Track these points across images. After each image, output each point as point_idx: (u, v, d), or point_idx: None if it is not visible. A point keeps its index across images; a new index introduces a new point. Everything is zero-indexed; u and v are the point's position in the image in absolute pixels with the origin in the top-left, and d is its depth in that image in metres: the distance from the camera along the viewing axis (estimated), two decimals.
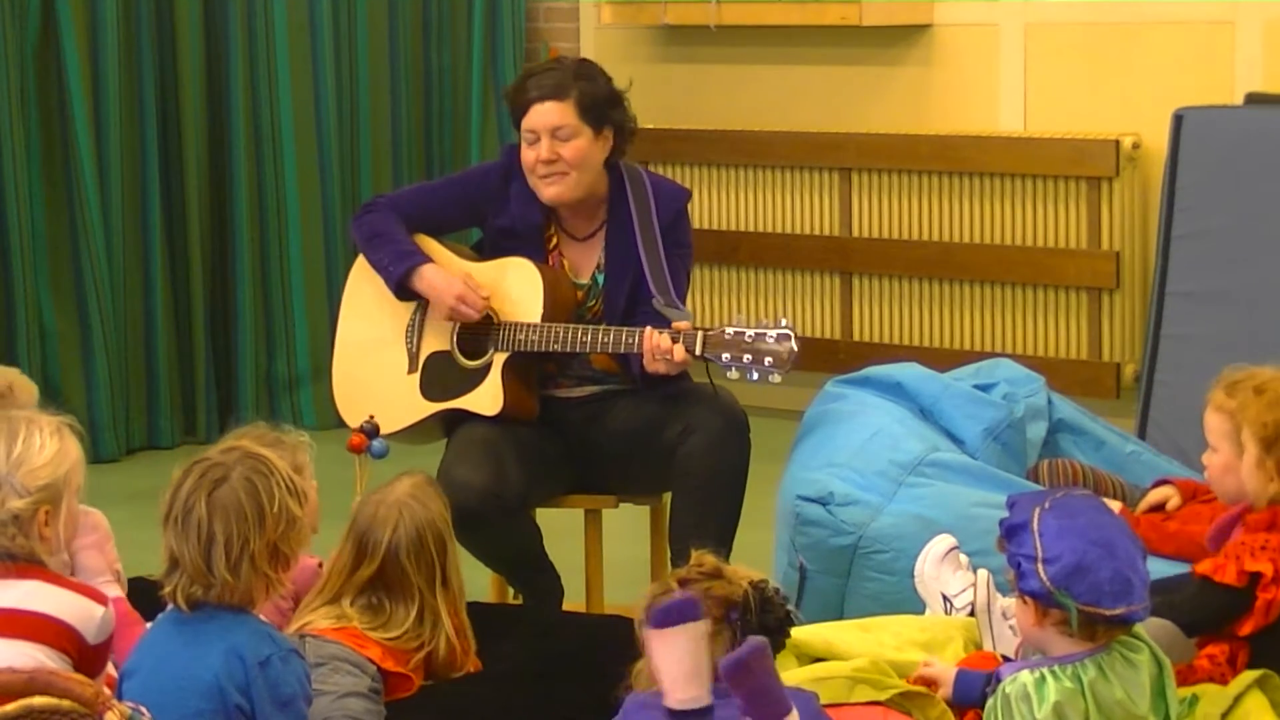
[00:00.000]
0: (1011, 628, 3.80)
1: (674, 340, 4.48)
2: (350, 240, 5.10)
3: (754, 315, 4.56)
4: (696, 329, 4.50)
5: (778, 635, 3.12)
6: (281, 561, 3.34)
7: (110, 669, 3.51)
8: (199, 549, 3.28)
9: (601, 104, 4.70)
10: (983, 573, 3.91)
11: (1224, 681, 3.67)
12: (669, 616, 3.03)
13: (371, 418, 4.59)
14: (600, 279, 4.76)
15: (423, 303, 4.77)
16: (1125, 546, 3.32)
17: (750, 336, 4.48)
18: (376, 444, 4.53)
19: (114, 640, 3.58)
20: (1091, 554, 3.28)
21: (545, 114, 4.65)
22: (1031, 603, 3.32)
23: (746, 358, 4.47)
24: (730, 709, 3.06)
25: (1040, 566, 3.28)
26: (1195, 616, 3.70)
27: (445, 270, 4.72)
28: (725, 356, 4.47)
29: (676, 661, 3.02)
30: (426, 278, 4.71)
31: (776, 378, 4.47)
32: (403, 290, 4.75)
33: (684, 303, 4.67)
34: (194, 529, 3.28)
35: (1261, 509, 3.80)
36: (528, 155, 4.68)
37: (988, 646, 3.84)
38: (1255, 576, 3.70)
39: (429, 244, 4.82)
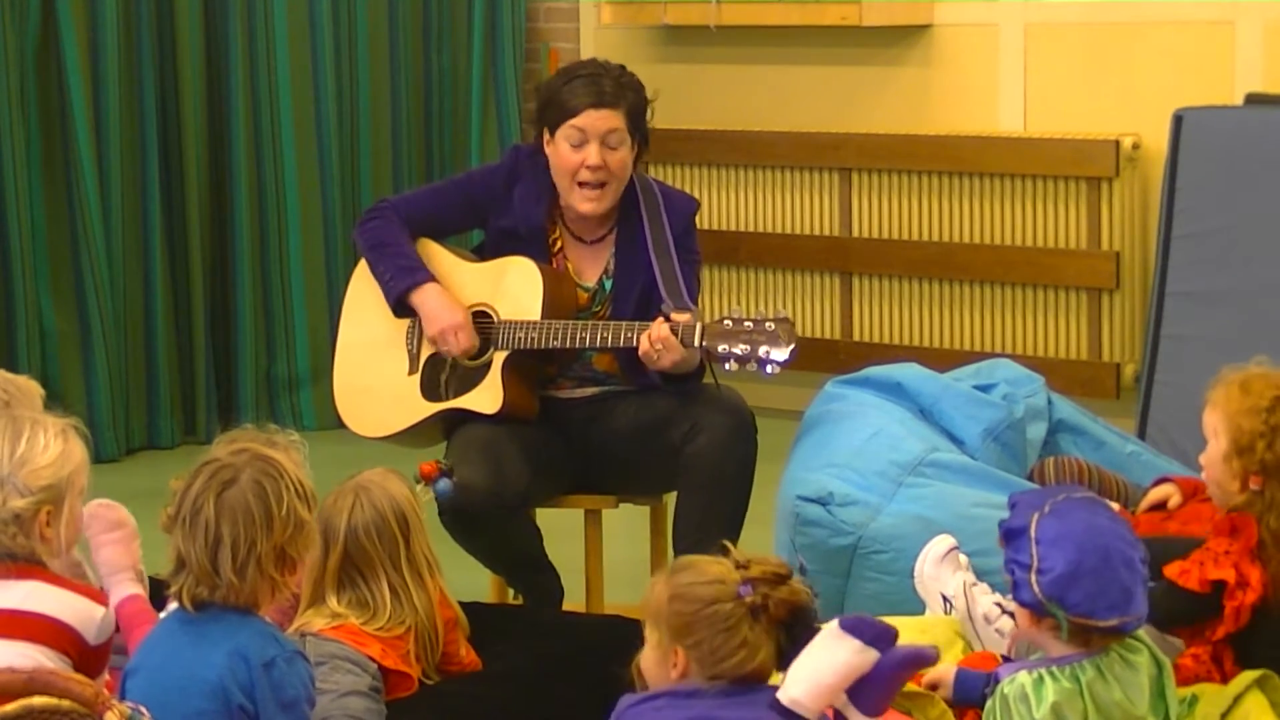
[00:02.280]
0: (998, 630, 3.80)
1: (673, 333, 4.47)
2: (352, 242, 5.10)
3: (752, 312, 4.53)
4: (695, 321, 4.50)
5: (805, 642, 3.09)
6: (288, 565, 3.33)
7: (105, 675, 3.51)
8: (206, 550, 3.28)
9: (641, 115, 4.70)
10: (960, 580, 3.89)
11: (1211, 679, 3.67)
12: (859, 630, 2.98)
13: (451, 464, 4.53)
14: (608, 284, 4.75)
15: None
16: (1123, 554, 3.30)
17: (749, 327, 4.47)
18: (442, 484, 4.46)
19: (129, 639, 3.60)
20: (1087, 564, 3.27)
21: (602, 118, 4.61)
22: (1025, 609, 3.32)
23: (744, 348, 4.46)
24: (754, 709, 3.04)
25: (1034, 577, 3.28)
26: (1160, 617, 3.69)
27: (448, 296, 4.71)
28: (723, 348, 4.46)
29: (825, 666, 2.97)
30: (426, 299, 4.70)
31: (774, 369, 4.46)
32: (401, 306, 4.74)
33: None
34: (201, 530, 3.28)
35: (1223, 505, 3.81)
36: (571, 158, 4.63)
37: (978, 650, 3.84)
38: (1220, 585, 3.70)
39: (431, 248, 4.81)
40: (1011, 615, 3.69)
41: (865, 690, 3.03)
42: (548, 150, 4.69)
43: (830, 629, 3.00)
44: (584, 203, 4.66)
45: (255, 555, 3.27)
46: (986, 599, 3.86)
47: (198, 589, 3.30)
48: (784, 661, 3.06)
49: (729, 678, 3.05)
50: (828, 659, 2.99)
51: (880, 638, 3.00)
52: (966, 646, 3.85)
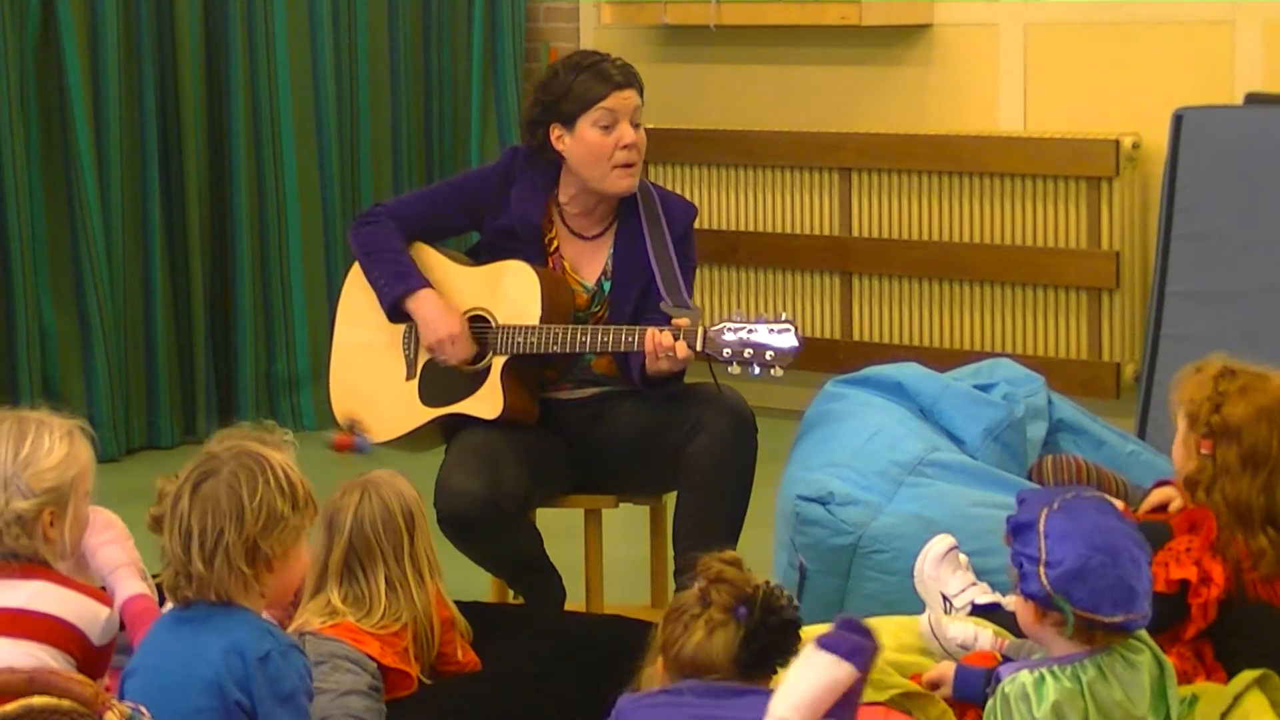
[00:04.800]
0: (962, 646, 3.78)
1: (675, 337, 4.48)
2: (347, 245, 5.09)
3: (754, 314, 4.54)
4: (697, 325, 4.50)
5: (782, 638, 3.10)
6: (262, 560, 3.31)
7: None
8: (180, 540, 3.29)
9: (642, 97, 4.75)
10: (924, 617, 3.88)
11: (1198, 674, 3.68)
12: (834, 645, 3.00)
13: (348, 416, 4.58)
14: (606, 285, 4.75)
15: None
16: (1130, 553, 3.31)
17: (751, 330, 4.48)
18: (360, 440, 4.53)
19: (135, 638, 3.60)
20: (1095, 560, 3.27)
21: (626, 98, 4.66)
22: (1030, 603, 3.32)
23: (748, 352, 4.47)
24: (753, 710, 3.05)
25: (1042, 570, 3.28)
26: None
27: (443, 303, 4.71)
28: (726, 352, 4.47)
29: (806, 682, 2.99)
30: (422, 307, 4.70)
31: (778, 371, 4.47)
32: (396, 312, 4.73)
33: None
34: (177, 521, 3.30)
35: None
36: (603, 141, 4.64)
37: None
38: (1184, 583, 3.71)
39: (426, 252, 4.80)
40: (1003, 614, 3.71)
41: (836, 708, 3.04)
42: (561, 145, 4.68)
43: (808, 648, 3.02)
44: (623, 180, 4.68)
45: (223, 546, 3.27)
46: (959, 627, 3.84)
47: (176, 580, 3.31)
48: (747, 653, 3.08)
49: (685, 668, 3.08)
50: (808, 676, 3.00)
51: (856, 651, 3.00)
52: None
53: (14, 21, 6.93)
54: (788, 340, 4.47)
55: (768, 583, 3.11)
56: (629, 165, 4.67)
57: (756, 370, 4.47)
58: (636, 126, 4.68)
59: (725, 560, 3.15)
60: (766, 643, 3.07)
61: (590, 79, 4.66)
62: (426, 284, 4.72)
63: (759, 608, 3.07)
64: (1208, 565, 3.71)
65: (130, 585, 3.77)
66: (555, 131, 4.68)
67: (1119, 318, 6.89)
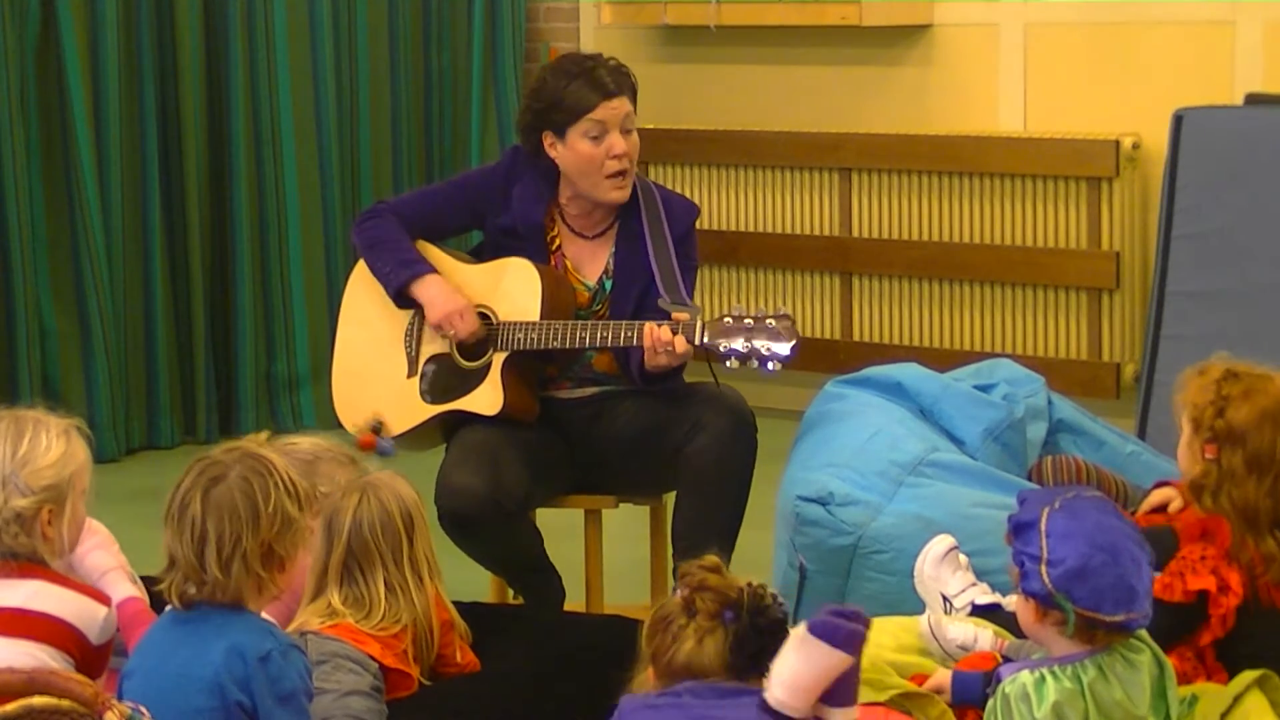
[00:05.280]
0: (962, 647, 3.78)
1: (674, 332, 4.48)
2: (351, 242, 5.10)
3: (753, 309, 4.54)
4: (696, 320, 4.50)
5: (772, 638, 3.10)
6: (276, 562, 3.33)
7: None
8: (192, 546, 3.29)
9: (636, 99, 4.74)
10: (924, 618, 3.88)
11: (1197, 675, 3.68)
12: (827, 633, 3.00)
13: (376, 416, 4.59)
14: (608, 284, 4.75)
15: (421, 308, 4.76)
16: (1131, 552, 3.31)
17: (750, 324, 4.48)
18: (383, 443, 4.54)
19: (129, 639, 3.60)
20: (1096, 559, 3.27)
21: (615, 107, 4.64)
22: (1031, 602, 3.32)
23: (745, 345, 4.46)
24: (750, 710, 3.04)
25: (1044, 568, 3.28)
26: (1151, 633, 3.68)
27: (449, 285, 4.71)
28: (724, 346, 4.47)
29: (801, 669, 2.99)
30: (428, 288, 4.71)
31: (776, 366, 4.47)
32: (402, 298, 4.74)
33: None
34: (188, 526, 3.29)
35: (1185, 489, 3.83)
36: (593, 152, 4.63)
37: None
38: (1203, 593, 3.70)
39: (429, 250, 4.81)
40: (1004, 615, 3.71)
41: (835, 686, 3.04)
42: (554, 153, 4.68)
43: (799, 632, 3.01)
44: (614, 191, 4.67)
45: (241, 552, 3.28)
46: (959, 627, 3.83)
47: (185, 585, 3.31)
48: (739, 656, 3.08)
49: (679, 676, 3.08)
50: (803, 663, 3.00)
51: (850, 640, 3.00)
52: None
53: (14, 21, 6.93)
54: (785, 334, 4.46)
55: (750, 584, 3.11)
56: (620, 174, 4.66)
57: (754, 364, 4.47)
58: (628, 133, 4.66)
59: (706, 567, 3.14)
60: (758, 644, 3.07)
61: (581, 87, 4.64)
62: (432, 270, 4.72)
63: (745, 611, 3.07)
64: (1225, 574, 3.70)
65: (122, 588, 3.76)
66: (548, 139, 4.68)
67: (1119, 318, 6.89)
